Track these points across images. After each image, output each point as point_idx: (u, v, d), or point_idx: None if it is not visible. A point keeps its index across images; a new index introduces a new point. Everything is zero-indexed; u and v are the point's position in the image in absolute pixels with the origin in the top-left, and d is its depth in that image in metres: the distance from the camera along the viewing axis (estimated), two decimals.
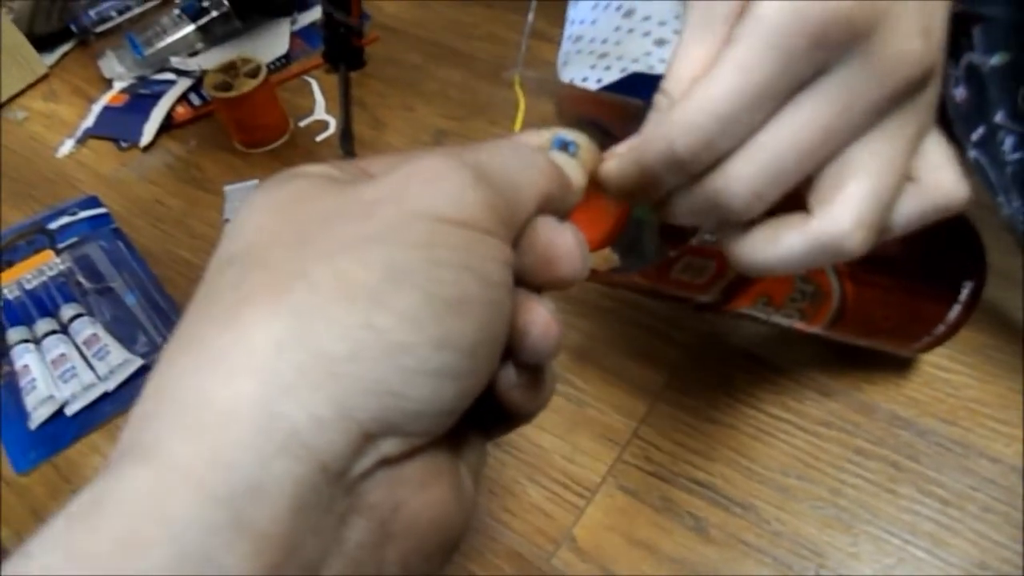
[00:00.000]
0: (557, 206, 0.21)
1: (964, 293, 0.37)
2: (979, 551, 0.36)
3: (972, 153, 0.42)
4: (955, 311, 0.37)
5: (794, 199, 0.24)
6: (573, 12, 0.63)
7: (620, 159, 0.24)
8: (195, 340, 0.16)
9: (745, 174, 0.22)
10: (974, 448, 0.39)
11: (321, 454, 0.15)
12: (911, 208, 0.24)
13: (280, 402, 0.15)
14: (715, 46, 0.22)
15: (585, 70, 0.58)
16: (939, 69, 0.23)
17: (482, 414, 0.21)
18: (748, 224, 0.24)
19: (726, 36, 0.22)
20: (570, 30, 0.62)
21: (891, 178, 0.22)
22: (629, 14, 0.58)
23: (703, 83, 0.21)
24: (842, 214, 0.22)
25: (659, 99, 0.24)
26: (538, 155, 0.21)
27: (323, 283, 0.16)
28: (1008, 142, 0.39)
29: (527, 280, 0.20)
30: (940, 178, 0.24)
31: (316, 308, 0.16)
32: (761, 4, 0.20)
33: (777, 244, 0.23)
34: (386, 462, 0.17)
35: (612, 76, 0.55)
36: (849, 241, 0.22)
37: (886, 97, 0.22)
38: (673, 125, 0.22)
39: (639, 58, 0.55)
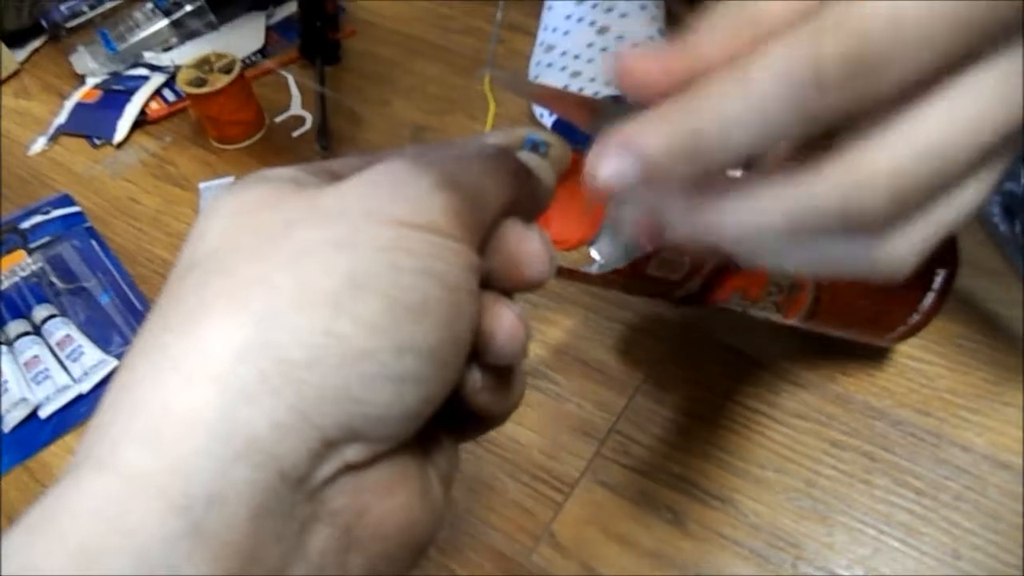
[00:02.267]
0: (527, 207, 0.21)
1: (937, 281, 0.37)
2: (951, 539, 0.37)
3: None
4: (929, 299, 0.37)
5: None
6: (547, 18, 0.62)
7: (677, 111, 0.16)
8: (155, 347, 0.16)
9: (895, 165, 0.15)
10: (947, 438, 0.40)
11: (281, 461, 0.15)
12: None
13: (240, 409, 0.15)
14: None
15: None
16: None
17: (452, 417, 0.21)
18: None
19: None
20: (542, 36, 0.61)
21: None
22: (603, 31, 0.57)
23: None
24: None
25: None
26: (505, 157, 0.21)
27: (284, 289, 0.16)
28: None
29: (495, 282, 0.20)
30: None
31: (277, 315, 0.16)
32: None
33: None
34: (349, 468, 0.16)
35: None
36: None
37: None
38: (824, 30, 0.14)
39: (611, 80, 0.55)
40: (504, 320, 0.19)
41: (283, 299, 0.16)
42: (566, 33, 0.59)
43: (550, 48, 0.59)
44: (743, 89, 0.15)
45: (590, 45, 0.57)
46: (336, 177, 0.20)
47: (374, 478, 0.17)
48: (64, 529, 0.14)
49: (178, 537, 0.14)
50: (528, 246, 0.20)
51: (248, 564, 0.15)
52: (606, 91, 0.54)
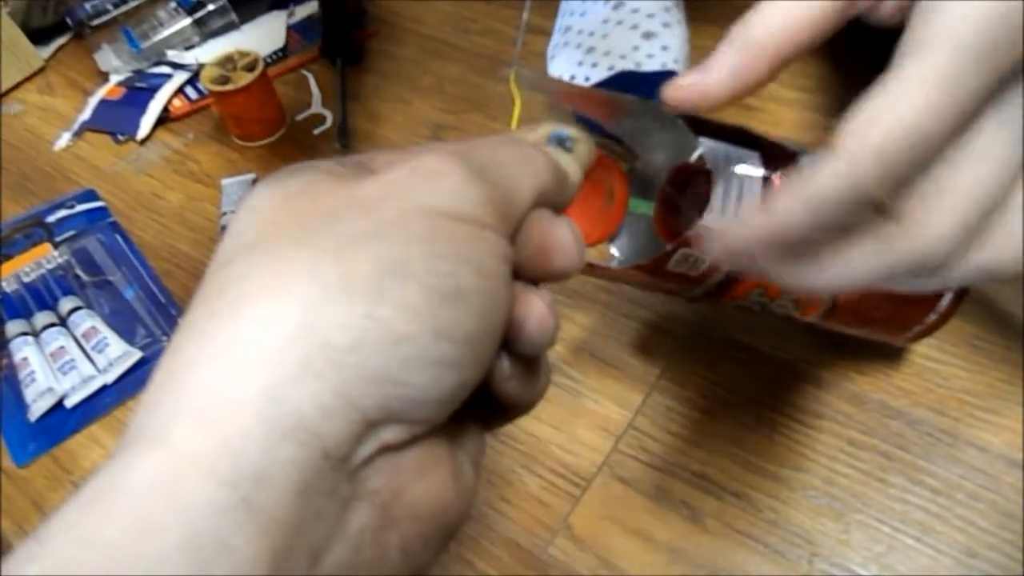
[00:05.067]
0: (554, 200, 0.22)
1: None
2: (967, 538, 0.37)
3: None
4: (946, 299, 0.37)
5: None
6: (566, 3, 0.62)
7: (777, 204, 0.21)
8: (202, 331, 0.17)
9: (953, 220, 0.20)
10: (962, 437, 0.40)
11: (325, 440, 0.16)
12: None
13: (286, 390, 0.15)
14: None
15: (572, 66, 0.57)
16: None
17: (480, 405, 0.21)
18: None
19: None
20: (561, 21, 0.62)
21: None
22: (618, 6, 0.57)
23: (889, 103, 0.19)
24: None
25: (738, 30, 0.22)
26: (535, 151, 0.22)
27: (326, 276, 0.16)
28: None
29: (524, 273, 0.21)
30: None
31: (319, 301, 0.16)
32: (950, 5, 0.18)
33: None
34: (387, 449, 0.17)
35: (599, 74, 0.55)
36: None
37: None
38: (856, 154, 0.19)
39: (626, 54, 0.54)
40: (534, 309, 0.20)
41: (325, 286, 0.16)
42: (583, 14, 0.59)
43: (567, 30, 0.59)
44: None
45: (605, 21, 0.57)
46: (367, 170, 0.21)
47: (410, 459, 0.18)
48: (119, 503, 0.15)
49: (228, 511, 0.14)
50: (558, 237, 0.20)
51: (293, 539, 0.15)
52: (620, 65, 0.54)
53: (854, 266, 0.21)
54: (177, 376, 0.16)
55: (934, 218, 0.20)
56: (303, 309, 0.16)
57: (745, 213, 0.22)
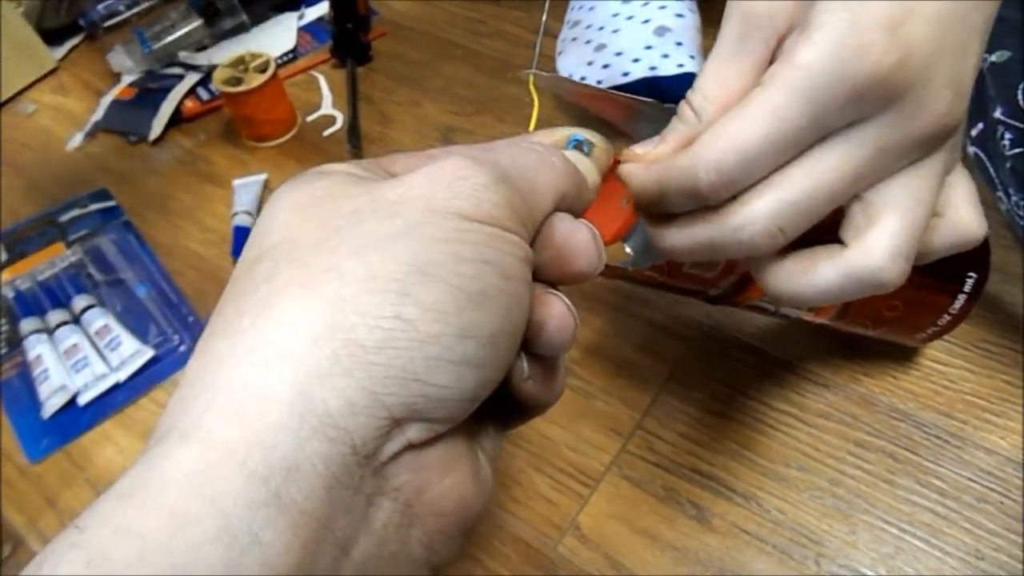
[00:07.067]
0: (573, 204, 0.22)
1: (968, 284, 0.37)
2: (974, 540, 0.37)
3: (971, 148, 0.43)
4: (960, 301, 0.38)
5: (823, 229, 0.24)
6: None
7: (643, 172, 0.25)
8: (232, 330, 0.17)
9: (768, 210, 0.22)
10: (970, 440, 0.40)
11: (353, 436, 0.16)
12: (938, 242, 0.25)
13: (315, 388, 0.16)
14: (750, 65, 0.23)
15: (582, 66, 0.55)
16: (965, 115, 0.23)
17: (499, 405, 0.21)
18: (778, 255, 0.24)
19: (763, 58, 0.23)
20: (570, 15, 0.61)
21: (922, 212, 0.23)
22: None
23: (733, 122, 0.22)
24: (877, 246, 0.23)
25: (685, 110, 0.25)
26: (554, 155, 0.22)
27: (353, 277, 0.17)
28: (1007, 138, 0.40)
29: (544, 275, 0.21)
30: (963, 215, 0.25)
31: (347, 300, 0.17)
32: (801, 51, 0.21)
33: (813, 276, 0.24)
34: (411, 447, 0.17)
35: (612, 78, 0.54)
36: (885, 272, 0.23)
37: (915, 145, 0.23)
38: (698, 159, 0.22)
39: (640, 56, 0.53)
40: (554, 310, 0.20)
41: (353, 286, 0.17)
42: (591, 9, 0.58)
43: (576, 24, 0.58)
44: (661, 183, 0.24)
45: (615, 15, 0.55)
46: (387, 172, 0.21)
47: (433, 457, 0.18)
48: (154, 495, 0.15)
49: (260, 504, 0.15)
50: (578, 239, 0.21)
51: (321, 533, 0.16)
52: (636, 71, 0.53)
53: (701, 242, 0.25)
54: (209, 372, 0.17)
55: (758, 206, 0.23)
56: (331, 309, 0.16)
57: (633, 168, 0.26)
